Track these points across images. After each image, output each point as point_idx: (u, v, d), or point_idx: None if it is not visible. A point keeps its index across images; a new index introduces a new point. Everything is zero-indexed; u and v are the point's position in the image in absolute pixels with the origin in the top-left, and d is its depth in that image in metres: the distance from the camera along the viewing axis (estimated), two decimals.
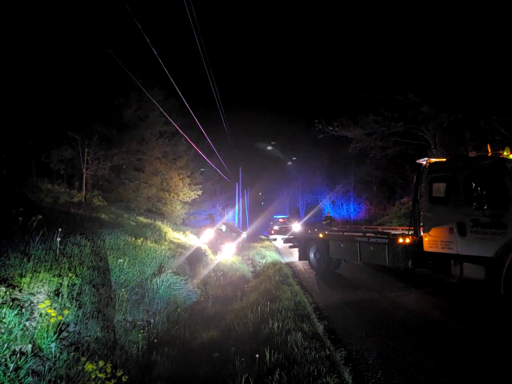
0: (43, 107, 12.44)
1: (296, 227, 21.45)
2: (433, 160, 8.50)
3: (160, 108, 14.30)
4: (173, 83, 11.44)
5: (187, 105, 13.27)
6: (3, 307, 3.73)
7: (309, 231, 12.63)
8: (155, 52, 9.89)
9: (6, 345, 3.37)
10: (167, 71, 10.75)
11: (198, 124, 15.85)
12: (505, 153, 6.96)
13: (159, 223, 14.32)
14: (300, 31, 64.23)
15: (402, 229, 9.53)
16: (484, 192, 6.49)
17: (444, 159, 8.72)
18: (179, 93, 12.20)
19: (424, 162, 8.37)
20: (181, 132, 16.06)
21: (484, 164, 6.87)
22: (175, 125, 15.11)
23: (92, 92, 13.99)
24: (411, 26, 15.28)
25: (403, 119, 17.48)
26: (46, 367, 3.44)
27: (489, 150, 7.44)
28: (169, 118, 14.61)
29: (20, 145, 13.76)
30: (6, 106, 11.31)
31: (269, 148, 44.60)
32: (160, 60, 10.16)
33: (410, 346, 5.04)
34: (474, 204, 6.59)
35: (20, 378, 3.16)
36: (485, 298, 7.40)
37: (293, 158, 46.09)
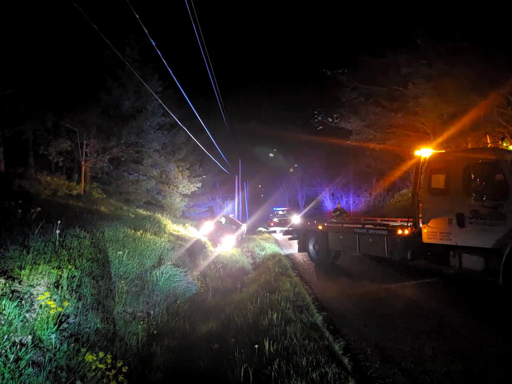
0: (40, 98, 12.35)
1: (296, 219, 21.51)
2: (432, 151, 8.48)
3: (159, 100, 14.22)
4: (172, 75, 11.34)
5: (186, 97, 13.18)
6: (2, 299, 3.74)
7: (309, 223, 12.64)
8: (154, 44, 9.80)
9: (6, 336, 3.39)
10: (165, 63, 10.64)
11: (197, 116, 15.77)
12: (504, 144, 6.95)
13: (158, 215, 14.33)
14: (301, 19, 63.70)
15: (401, 221, 9.54)
16: (484, 183, 6.48)
17: (444, 151, 8.71)
18: (178, 85, 12.10)
19: (424, 154, 8.34)
20: (180, 123, 15.95)
21: (483, 155, 6.85)
22: (173, 116, 15.00)
23: (90, 83, 13.87)
24: (409, 13, 15.11)
25: (403, 110, 17.39)
26: (47, 358, 3.46)
27: (488, 141, 7.43)
28: (168, 110, 14.50)
29: (18, 138, 13.69)
30: (2, 98, 11.23)
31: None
32: (159, 51, 10.07)
33: (408, 337, 5.08)
34: (473, 195, 6.59)
35: (20, 369, 3.18)
36: (483, 289, 7.43)
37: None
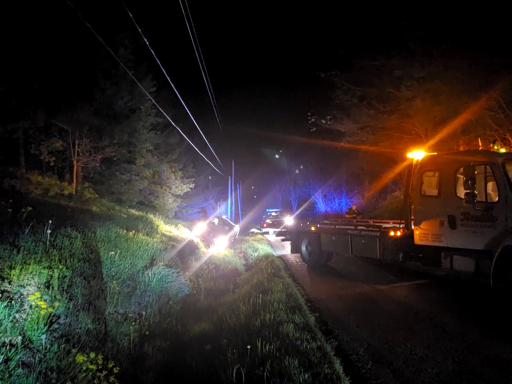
0: (32, 96, 12.22)
1: (289, 220, 21.50)
2: (425, 154, 8.55)
3: (153, 100, 14.18)
4: (166, 74, 11.32)
5: (180, 98, 13.15)
6: None
7: (301, 224, 12.65)
8: (147, 43, 9.76)
9: None
10: (159, 62, 10.62)
11: (191, 116, 15.74)
12: (495, 147, 7.04)
13: (151, 216, 14.23)
14: (294, 20, 63.92)
15: (394, 222, 9.59)
16: (475, 185, 6.55)
17: (436, 153, 8.79)
18: (172, 86, 12.08)
19: (416, 156, 8.41)
20: (173, 124, 15.92)
21: (474, 158, 6.92)
22: (167, 117, 14.97)
23: (83, 82, 13.76)
24: (404, 16, 15.23)
25: (396, 113, 17.52)
26: (37, 358, 3.42)
27: (480, 144, 7.52)
28: (162, 110, 14.46)
29: (9, 136, 13.52)
30: None
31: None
32: (152, 51, 10.03)
33: (399, 338, 5.10)
34: (465, 197, 6.65)
35: (10, 369, 3.14)
36: (474, 291, 7.50)
37: (280, 151, 47.34)
